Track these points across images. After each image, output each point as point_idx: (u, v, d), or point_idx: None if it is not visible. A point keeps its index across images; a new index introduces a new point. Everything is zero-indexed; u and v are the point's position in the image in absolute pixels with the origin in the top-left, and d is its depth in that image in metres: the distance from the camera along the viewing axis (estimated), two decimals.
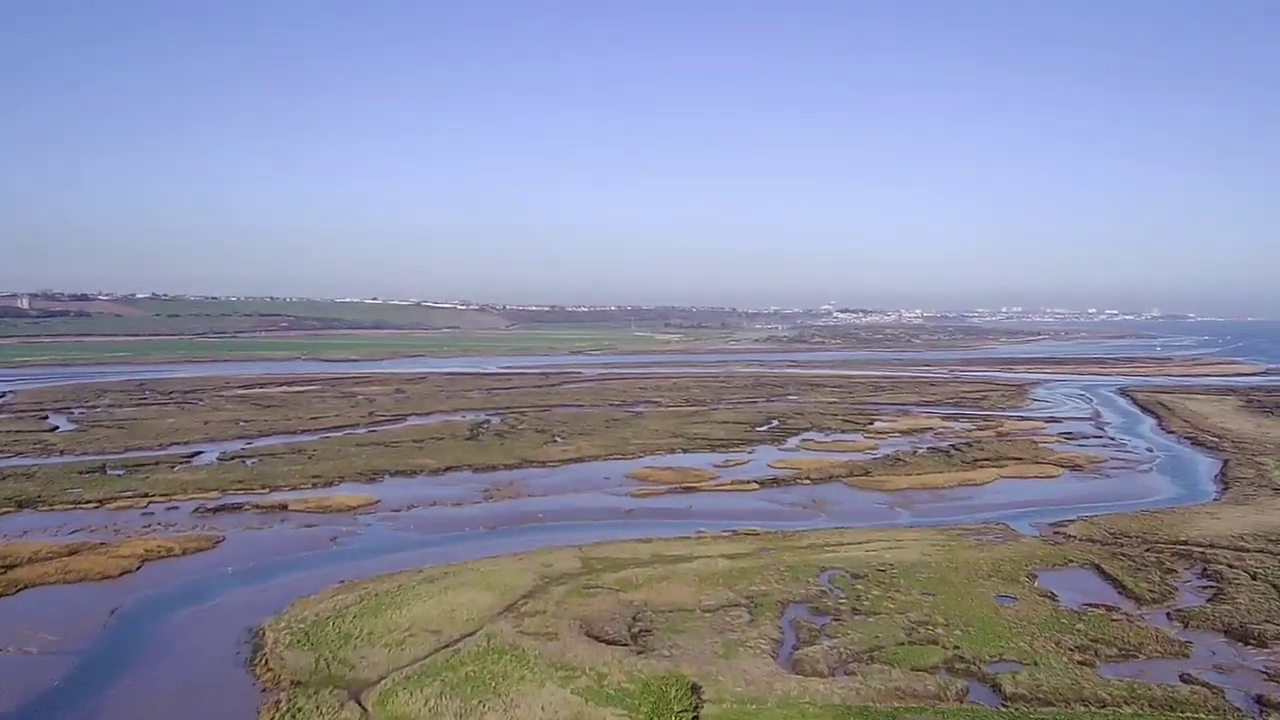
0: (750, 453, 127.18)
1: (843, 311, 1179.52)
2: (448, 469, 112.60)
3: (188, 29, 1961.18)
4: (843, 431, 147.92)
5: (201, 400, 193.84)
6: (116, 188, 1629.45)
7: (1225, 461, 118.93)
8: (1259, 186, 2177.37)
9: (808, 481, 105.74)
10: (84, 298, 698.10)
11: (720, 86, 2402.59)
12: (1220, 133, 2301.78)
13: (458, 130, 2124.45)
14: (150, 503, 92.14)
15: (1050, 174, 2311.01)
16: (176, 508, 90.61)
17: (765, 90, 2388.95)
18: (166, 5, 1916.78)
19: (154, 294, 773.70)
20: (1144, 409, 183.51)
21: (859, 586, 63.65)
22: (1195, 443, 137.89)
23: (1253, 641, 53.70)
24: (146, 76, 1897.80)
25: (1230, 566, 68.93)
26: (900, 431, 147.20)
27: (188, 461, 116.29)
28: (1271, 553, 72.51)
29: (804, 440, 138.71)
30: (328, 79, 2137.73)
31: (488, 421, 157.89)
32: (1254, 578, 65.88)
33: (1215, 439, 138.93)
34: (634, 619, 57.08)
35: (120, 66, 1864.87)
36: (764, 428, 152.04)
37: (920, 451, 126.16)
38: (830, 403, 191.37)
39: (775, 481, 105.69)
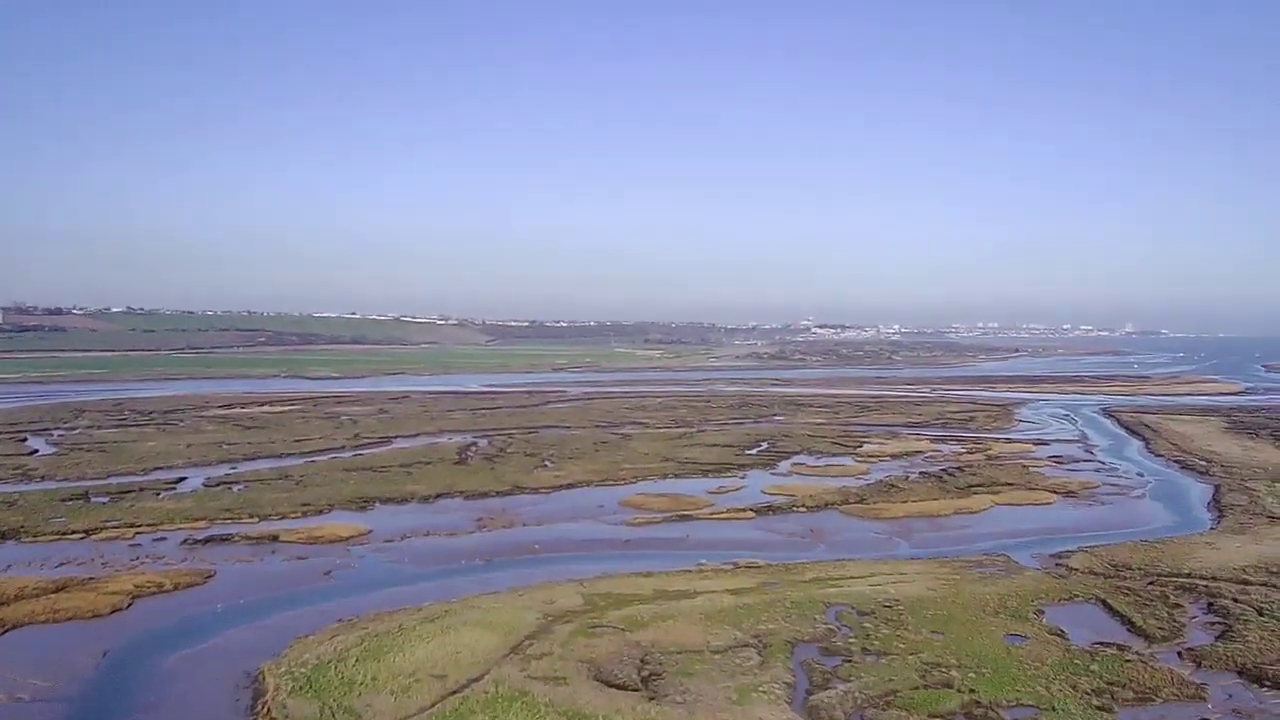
0: (743, 478, 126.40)
1: (821, 327, 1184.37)
2: (438, 496, 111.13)
3: (162, 37, 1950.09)
4: (833, 455, 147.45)
5: (182, 420, 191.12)
6: (91, 198, 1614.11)
7: (1217, 487, 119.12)
8: (1232, 203, 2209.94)
9: (803, 509, 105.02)
10: (58, 311, 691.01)
11: (700, 99, 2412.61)
12: (1199, 148, 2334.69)
13: (436, 141, 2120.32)
14: (137, 533, 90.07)
15: (1027, 190, 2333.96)
16: (164, 539, 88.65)
17: (744, 103, 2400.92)
18: (141, 12, 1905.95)
19: (129, 307, 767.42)
20: (1130, 430, 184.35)
21: (867, 624, 62.86)
22: (1184, 466, 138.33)
23: (1268, 683, 53.16)
24: (121, 86, 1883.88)
25: (1235, 601, 68.61)
26: (891, 455, 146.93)
27: (173, 488, 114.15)
28: (1276, 586, 72.24)
29: (795, 464, 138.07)
30: (304, 90, 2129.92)
31: (475, 444, 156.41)
32: (1261, 613, 65.55)
33: (1204, 463, 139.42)
34: (643, 661, 55.98)
35: (95, 76, 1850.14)
36: (754, 451, 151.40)
37: (913, 477, 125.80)
38: (818, 424, 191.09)
39: (770, 509, 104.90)
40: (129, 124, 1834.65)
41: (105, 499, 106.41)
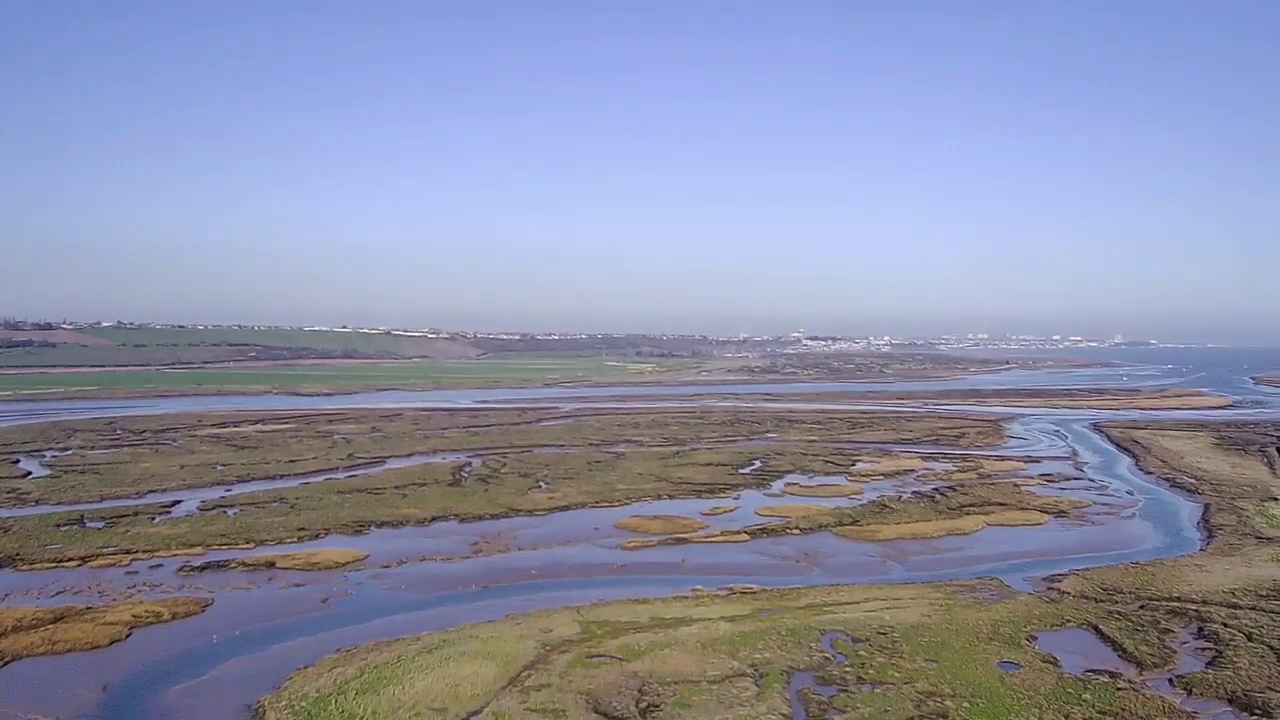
0: (736, 498, 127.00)
1: (812, 339, 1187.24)
2: (433, 519, 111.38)
3: (154, 53, 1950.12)
4: (826, 474, 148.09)
5: (175, 440, 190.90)
6: (81, 212, 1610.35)
7: (1206, 506, 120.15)
8: (1221, 215, 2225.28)
9: (797, 531, 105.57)
10: (48, 327, 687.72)
11: (693, 113, 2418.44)
12: (1188, 161, 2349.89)
13: (428, 154, 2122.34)
14: (133, 560, 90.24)
15: (1016, 202, 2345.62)
16: (161, 565, 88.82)
17: (736, 117, 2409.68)
18: (134, 26, 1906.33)
19: (119, 322, 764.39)
20: (1119, 447, 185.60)
21: (862, 652, 63.43)
22: (1174, 484, 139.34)
23: (1258, 711, 53.89)
24: (112, 100, 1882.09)
25: (1225, 625, 69.44)
26: (883, 474, 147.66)
27: (167, 512, 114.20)
28: (1265, 610, 73.16)
29: (789, 484, 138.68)
30: (296, 104, 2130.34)
31: (469, 464, 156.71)
32: (1250, 639, 66.36)
33: (1193, 480, 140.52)
34: (640, 692, 56.45)
35: (86, 90, 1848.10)
36: (747, 470, 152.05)
37: (905, 496, 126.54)
38: (810, 441, 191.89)
39: (764, 531, 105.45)
40: (119, 137, 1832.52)
41: (100, 524, 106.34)
